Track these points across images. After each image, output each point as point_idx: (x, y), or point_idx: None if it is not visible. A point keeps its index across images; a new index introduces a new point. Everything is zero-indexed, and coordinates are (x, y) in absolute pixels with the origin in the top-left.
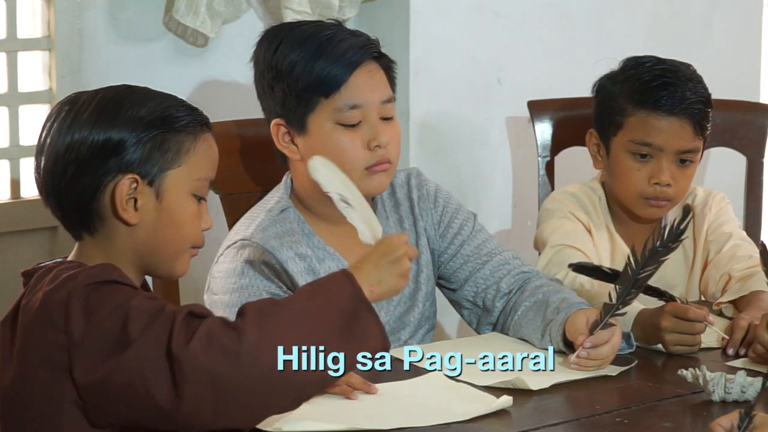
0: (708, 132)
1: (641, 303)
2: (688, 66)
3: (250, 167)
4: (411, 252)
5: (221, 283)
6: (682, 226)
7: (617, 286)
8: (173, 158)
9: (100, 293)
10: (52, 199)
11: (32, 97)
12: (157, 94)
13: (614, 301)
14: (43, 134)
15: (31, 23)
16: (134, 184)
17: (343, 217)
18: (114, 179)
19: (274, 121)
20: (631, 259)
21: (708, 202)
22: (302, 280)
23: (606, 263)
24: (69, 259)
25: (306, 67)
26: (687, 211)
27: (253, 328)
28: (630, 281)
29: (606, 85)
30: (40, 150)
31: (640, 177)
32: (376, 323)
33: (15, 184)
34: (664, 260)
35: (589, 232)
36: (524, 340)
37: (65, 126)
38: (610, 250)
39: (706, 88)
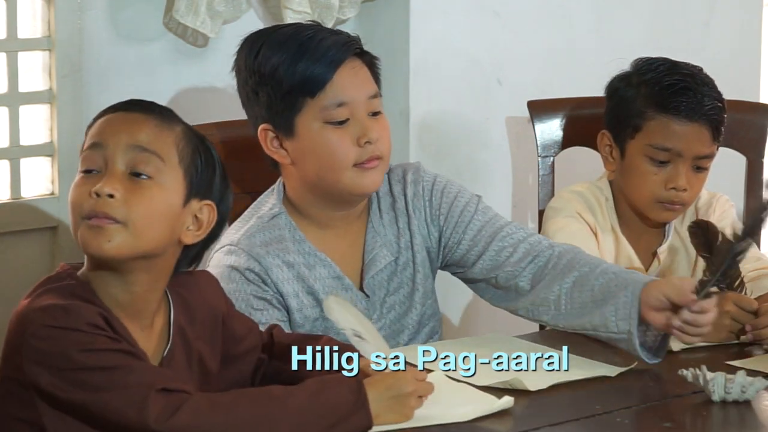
0: (722, 136)
1: None
2: (700, 69)
3: (234, 170)
4: (423, 389)
5: None
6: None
7: (710, 262)
8: None
9: (54, 337)
10: None
11: (32, 97)
12: None
13: (710, 276)
14: None
15: (31, 23)
16: None
17: (333, 221)
18: None
19: (261, 127)
20: (727, 235)
21: (712, 203)
22: (289, 287)
23: None
24: None
25: (289, 69)
26: None
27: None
28: (726, 255)
29: (620, 87)
30: None
31: (656, 181)
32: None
33: (15, 184)
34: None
35: (595, 233)
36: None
37: None
38: (615, 251)
39: (719, 93)
